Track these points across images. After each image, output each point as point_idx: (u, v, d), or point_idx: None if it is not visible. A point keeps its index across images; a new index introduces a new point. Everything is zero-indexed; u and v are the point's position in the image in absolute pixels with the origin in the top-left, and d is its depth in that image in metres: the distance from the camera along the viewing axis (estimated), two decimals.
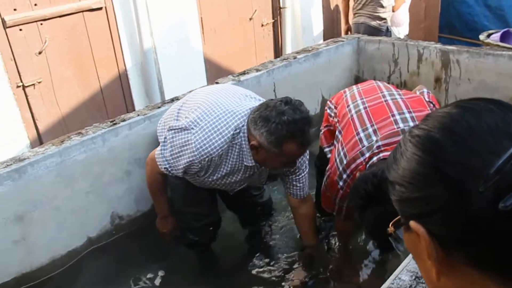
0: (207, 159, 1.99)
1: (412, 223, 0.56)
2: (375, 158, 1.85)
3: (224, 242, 2.58)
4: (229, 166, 2.08)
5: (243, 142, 2.01)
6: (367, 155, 1.89)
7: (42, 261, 2.30)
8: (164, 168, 2.12)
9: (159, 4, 3.64)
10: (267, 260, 2.50)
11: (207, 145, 1.96)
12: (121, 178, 2.51)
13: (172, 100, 2.74)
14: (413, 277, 1.26)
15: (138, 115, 2.57)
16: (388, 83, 3.95)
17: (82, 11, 3.28)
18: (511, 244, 0.49)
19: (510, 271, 0.51)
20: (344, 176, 1.96)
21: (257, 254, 2.54)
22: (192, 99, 2.24)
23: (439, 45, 3.59)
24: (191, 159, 1.99)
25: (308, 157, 2.23)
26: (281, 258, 2.51)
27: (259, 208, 2.65)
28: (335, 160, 2.05)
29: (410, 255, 1.35)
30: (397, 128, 1.92)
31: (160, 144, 2.18)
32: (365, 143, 1.93)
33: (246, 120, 1.99)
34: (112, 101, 3.61)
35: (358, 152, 1.93)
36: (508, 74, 3.27)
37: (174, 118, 2.23)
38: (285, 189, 2.32)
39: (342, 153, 2.01)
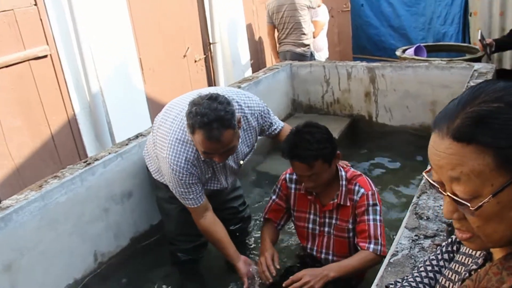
0: (189, 166, 2.10)
1: None
2: None
3: (211, 258, 2.68)
4: (204, 163, 2.18)
5: None
6: None
7: None
8: (193, 203, 2.20)
9: (102, 47, 3.73)
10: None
11: (178, 158, 2.09)
12: (100, 216, 2.56)
13: (136, 136, 2.85)
14: (410, 241, 1.50)
15: (110, 153, 2.64)
16: (322, 102, 4.34)
17: (28, 60, 3.29)
18: None
19: None
20: None
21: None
22: (157, 123, 2.32)
23: (365, 63, 4.03)
24: (183, 175, 2.10)
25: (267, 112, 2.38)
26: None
27: (241, 223, 2.80)
28: None
29: (403, 227, 1.59)
30: None
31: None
32: None
33: None
34: (63, 146, 3.60)
35: None
36: (426, 82, 3.76)
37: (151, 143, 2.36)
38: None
39: None
